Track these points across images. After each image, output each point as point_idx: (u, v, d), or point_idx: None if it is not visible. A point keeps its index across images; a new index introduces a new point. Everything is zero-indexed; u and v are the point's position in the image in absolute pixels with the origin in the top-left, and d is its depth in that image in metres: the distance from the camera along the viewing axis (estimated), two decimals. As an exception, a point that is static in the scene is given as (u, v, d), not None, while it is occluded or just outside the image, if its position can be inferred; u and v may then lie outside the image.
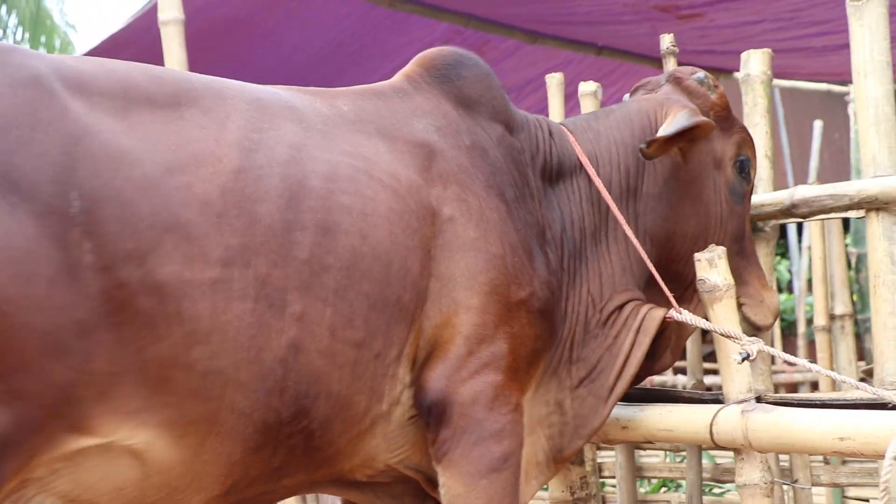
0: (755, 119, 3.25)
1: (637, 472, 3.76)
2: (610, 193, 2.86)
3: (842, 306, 4.08)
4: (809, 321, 6.11)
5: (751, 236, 3.07)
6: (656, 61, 5.26)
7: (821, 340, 4.17)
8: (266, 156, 2.30)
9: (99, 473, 2.18)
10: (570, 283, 2.79)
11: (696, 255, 2.73)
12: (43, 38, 16.15)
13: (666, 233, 2.90)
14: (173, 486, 2.25)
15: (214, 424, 2.20)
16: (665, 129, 2.76)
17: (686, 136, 2.80)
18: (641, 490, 4.54)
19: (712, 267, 2.70)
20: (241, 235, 2.20)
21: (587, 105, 3.69)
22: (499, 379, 2.52)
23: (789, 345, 9.33)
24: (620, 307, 2.83)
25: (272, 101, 2.45)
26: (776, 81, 7.48)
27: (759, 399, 2.69)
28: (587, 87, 3.69)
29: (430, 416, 2.50)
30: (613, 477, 3.86)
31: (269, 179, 2.27)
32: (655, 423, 2.86)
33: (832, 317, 4.12)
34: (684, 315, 2.78)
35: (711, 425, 2.70)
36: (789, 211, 3.08)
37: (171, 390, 2.13)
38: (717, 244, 2.88)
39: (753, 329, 3.00)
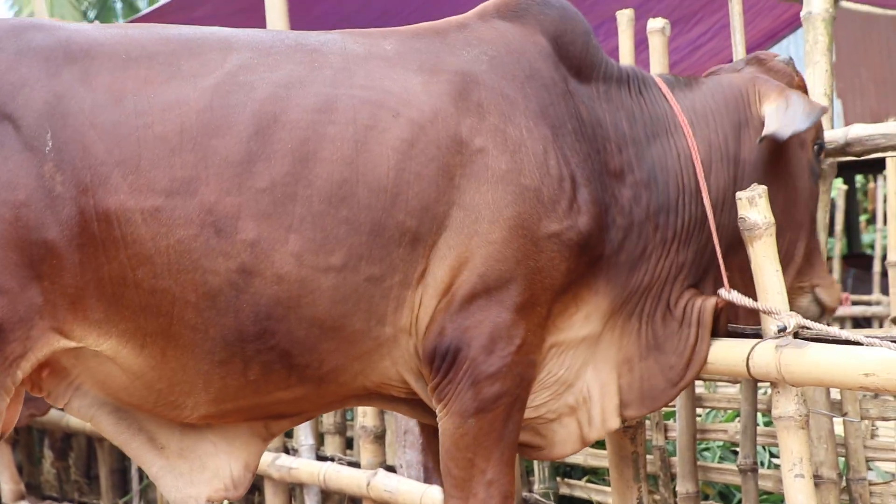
0: (815, 57, 3.25)
1: (697, 402, 3.86)
2: (711, 156, 2.92)
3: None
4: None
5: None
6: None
7: (893, 275, 4.16)
8: (244, 95, 2.52)
9: (102, 372, 2.58)
10: (656, 236, 2.85)
11: (738, 194, 2.78)
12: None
13: None
14: (157, 389, 2.58)
15: (170, 337, 2.50)
16: (801, 123, 2.79)
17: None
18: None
19: (752, 205, 2.75)
20: (193, 167, 2.46)
21: (655, 42, 3.73)
22: (506, 318, 2.59)
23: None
24: (682, 294, 2.89)
25: (286, 46, 2.64)
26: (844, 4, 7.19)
27: (796, 335, 2.75)
28: (655, 24, 3.72)
29: (437, 358, 2.60)
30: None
31: (236, 116, 2.50)
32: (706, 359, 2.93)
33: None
34: (733, 295, 2.82)
35: (748, 359, 2.77)
36: (844, 149, 3.11)
37: (124, 305, 2.47)
38: (799, 222, 2.95)
39: (821, 309, 3.06)
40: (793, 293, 2.95)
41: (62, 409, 2.74)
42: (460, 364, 2.60)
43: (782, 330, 2.65)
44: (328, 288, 2.51)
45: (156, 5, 7.36)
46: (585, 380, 2.84)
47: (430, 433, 2.99)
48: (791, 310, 2.72)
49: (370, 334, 2.59)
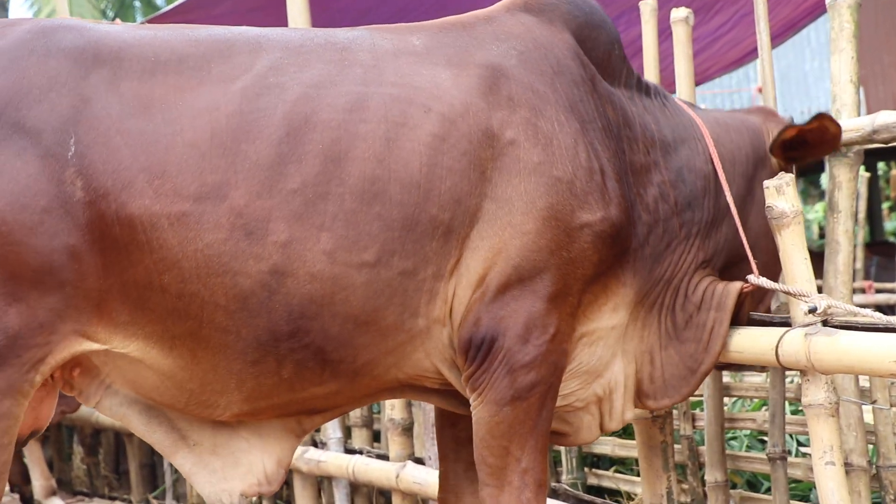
0: (841, 44, 3.24)
1: (725, 391, 3.86)
2: (735, 170, 3.02)
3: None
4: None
5: None
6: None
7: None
8: (274, 97, 2.54)
9: (131, 372, 2.59)
10: (681, 232, 2.93)
11: (765, 183, 2.78)
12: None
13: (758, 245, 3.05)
14: (189, 389, 2.59)
15: (200, 340, 2.51)
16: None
17: (828, 145, 2.99)
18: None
19: (780, 194, 2.76)
20: (222, 172, 2.47)
21: (679, 32, 3.73)
22: (540, 307, 2.63)
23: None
24: (700, 281, 2.97)
25: (316, 45, 2.65)
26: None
27: (825, 323, 2.76)
28: (679, 14, 3.72)
29: (472, 348, 2.63)
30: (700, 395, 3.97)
31: (267, 119, 2.51)
32: (725, 344, 2.95)
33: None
34: (762, 280, 2.86)
35: (777, 347, 2.78)
36: (871, 137, 3.10)
37: (151, 308, 2.48)
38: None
39: None
40: None
41: (93, 408, 2.75)
42: (496, 353, 2.62)
43: (813, 310, 2.65)
44: (362, 284, 2.53)
45: (175, 3, 7.38)
46: (613, 370, 2.88)
47: (443, 421, 3.06)
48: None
49: (403, 327, 2.61)
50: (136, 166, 2.44)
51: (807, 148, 3.07)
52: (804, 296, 2.71)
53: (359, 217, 2.52)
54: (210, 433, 2.75)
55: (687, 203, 2.94)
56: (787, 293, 2.76)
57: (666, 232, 2.90)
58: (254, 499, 2.88)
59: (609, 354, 2.86)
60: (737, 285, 2.93)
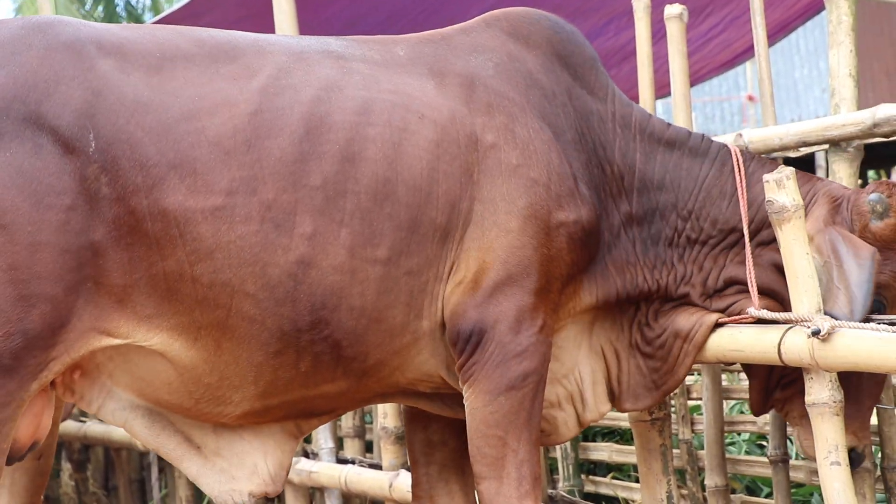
0: (839, 37, 3.21)
1: (724, 393, 3.80)
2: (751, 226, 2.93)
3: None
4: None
5: None
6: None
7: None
8: (290, 98, 2.62)
9: (145, 367, 2.60)
10: (644, 260, 2.94)
11: (765, 176, 2.73)
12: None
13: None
14: (206, 383, 2.62)
15: (226, 329, 2.57)
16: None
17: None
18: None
19: (780, 188, 2.70)
20: (249, 168, 2.55)
21: (673, 29, 3.68)
22: (528, 300, 2.72)
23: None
24: (680, 305, 2.97)
25: (315, 52, 2.75)
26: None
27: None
28: (672, 10, 3.67)
29: (461, 340, 2.70)
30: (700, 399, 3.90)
31: (286, 118, 2.60)
32: (726, 344, 2.90)
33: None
34: (762, 312, 2.81)
35: (780, 345, 2.72)
36: (871, 130, 3.05)
37: (179, 299, 2.53)
38: None
39: None
40: None
41: (94, 415, 2.77)
42: (486, 343, 2.69)
43: (817, 332, 2.58)
44: (375, 279, 2.63)
45: (162, 14, 7.35)
46: (577, 365, 3.00)
47: (413, 425, 3.13)
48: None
49: (409, 327, 2.71)
50: (165, 162, 2.49)
51: None
52: (806, 321, 2.64)
53: (373, 215, 2.62)
54: (213, 436, 2.79)
55: (646, 244, 2.95)
56: (788, 321, 2.72)
57: (629, 258, 2.94)
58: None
59: (571, 355, 2.97)
60: (711, 319, 2.93)
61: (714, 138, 3.15)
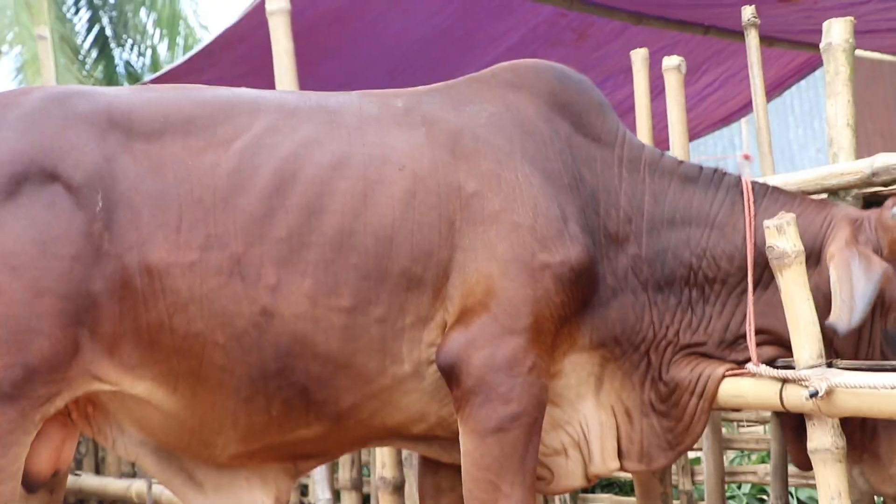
0: (837, 88, 3.23)
1: (724, 444, 3.78)
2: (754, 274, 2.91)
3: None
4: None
5: None
6: (765, 40, 5.23)
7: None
8: (267, 155, 2.74)
9: (139, 411, 2.75)
10: (653, 310, 2.93)
11: (766, 222, 2.74)
12: (180, 41, 16.75)
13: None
14: (189, 428, 2.74)
15: (200, 377, 2.69)
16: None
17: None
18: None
19: (781, 234, 2.71)
20: (223, 224, 2.68)
21: (671, 80, 3.72)
22: (514, 341, 2.72)
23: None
24: (691, 355, 2.95)
25: (309, 108, 2.85)
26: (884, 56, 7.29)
27: (829, 365, 2.69)
28: (670, 62, 3.72)
29: (448, 377, 2.73)
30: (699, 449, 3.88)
31: (259, 176, 2.72)
32: (727, 390, 2.89)
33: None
34: (762, 368, 2.79)
35: (781, 391, 2.71)
36: (870, 179, 3.07)
37: (159, 350, 2.67)
38: None
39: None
40: None
41: (109, 448, 2.88)
42: (473, 382, 2.70)
43: (814, 395, 2.58)
44: (339, 327, 2.70)
45: (166, 69, 7.41)
46: (581, 416, 2.95)
47: (424, 468, 3.14)
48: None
49: (386, 372, 2.75)
50: (155, 222, 2.66)
51: None
52: (803, 380, 2.64)
53: (336, 265, 2.70)
54: (214, 474, 2.88)
55: (659, 285, 2.93)
56: (786, 380, 2.71)
57: (637, 303, 2.92)
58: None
59: (571, 403, 2.94)
60: (720, 371, 2.91)
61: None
